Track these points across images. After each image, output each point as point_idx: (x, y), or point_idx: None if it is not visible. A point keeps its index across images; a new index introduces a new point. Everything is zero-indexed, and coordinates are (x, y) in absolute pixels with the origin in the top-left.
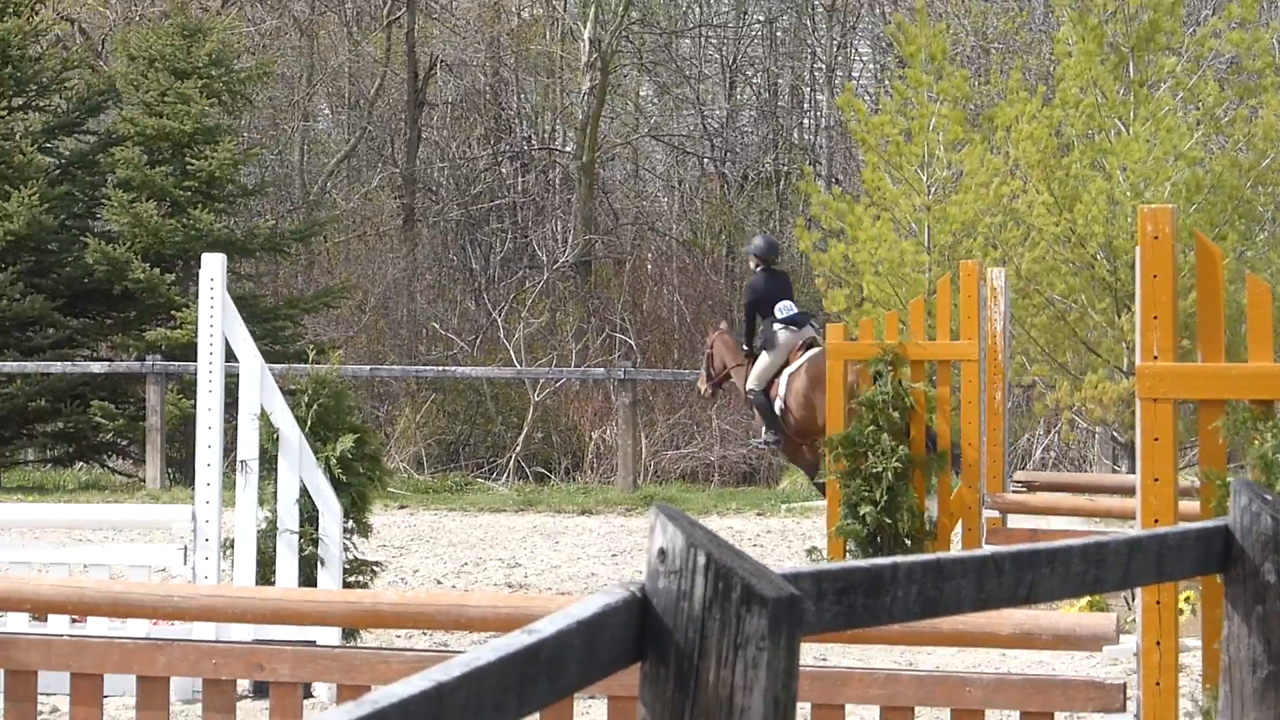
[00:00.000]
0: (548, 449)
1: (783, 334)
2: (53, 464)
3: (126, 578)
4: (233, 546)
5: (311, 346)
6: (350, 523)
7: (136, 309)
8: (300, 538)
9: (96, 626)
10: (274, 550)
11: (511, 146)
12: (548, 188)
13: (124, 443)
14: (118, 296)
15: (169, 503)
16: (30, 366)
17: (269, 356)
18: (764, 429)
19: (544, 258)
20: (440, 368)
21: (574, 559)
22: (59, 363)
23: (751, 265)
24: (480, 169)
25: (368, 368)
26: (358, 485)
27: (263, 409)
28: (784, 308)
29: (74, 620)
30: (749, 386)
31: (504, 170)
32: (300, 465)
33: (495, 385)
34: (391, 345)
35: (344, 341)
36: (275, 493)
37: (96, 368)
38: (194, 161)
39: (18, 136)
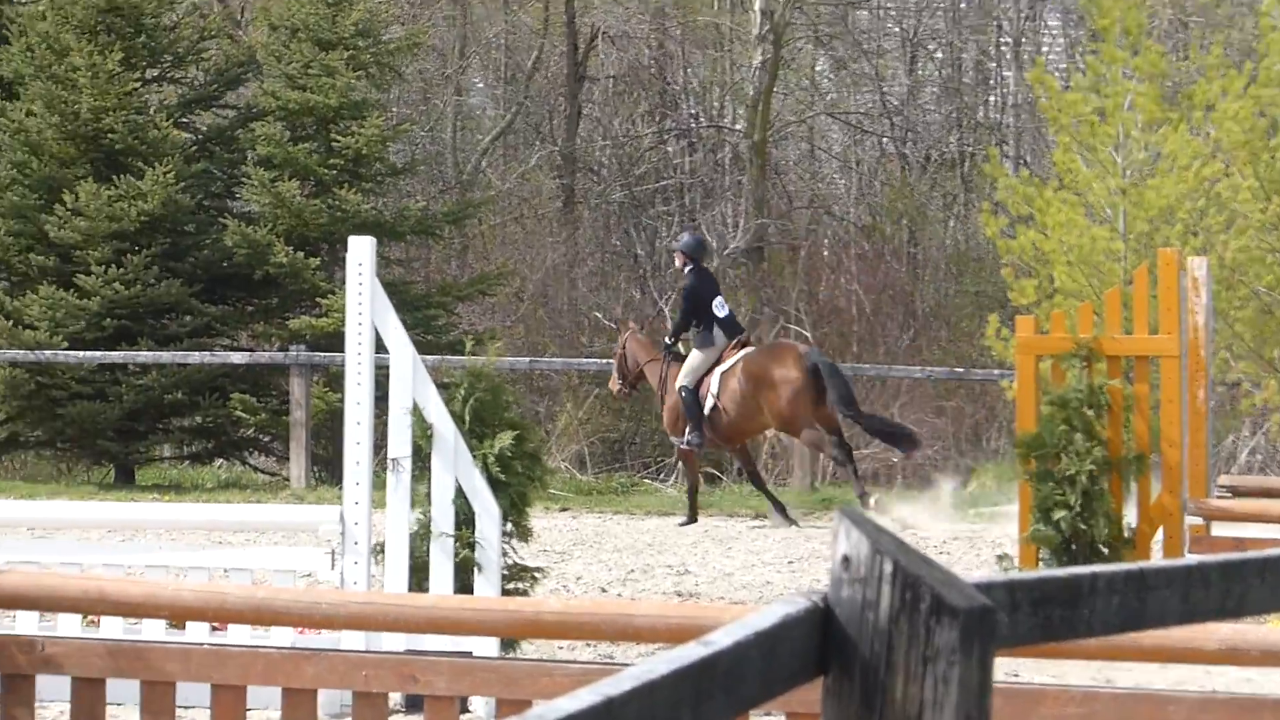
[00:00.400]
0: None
1: (719, 334)
2: (190, 461)
3: (270, 583)
4: (383, 550)
5: (469, 337)
6: (509, 526)
7: (279, 295)
8: (456, 541)
9: (238, 635)
10: (427, 554)
11: (678, 124)
12: (717, 168)
13: (266, 439)
14: (259, 282)
15: (315, 503)
16: (166, 356)
17: (421, 347)
18: (687, 429)
19: (713, 242)
20: (604, 360)
21: (748, 566)
22: (196, 353)
23: (678, 263)
24: (645, 147)
25: (527, 360)
26: (517, 485)
27: (415, 403)
28: (720, 305)
29: (214, 628)
30: (680, 383)
31: (670, 149)
32: (456, 464)
33: None
34: (551, 336)
35: (501, 332)
36: (429, 493)
37: (237, 358)
38: (340, 138)
39: (152, 110)
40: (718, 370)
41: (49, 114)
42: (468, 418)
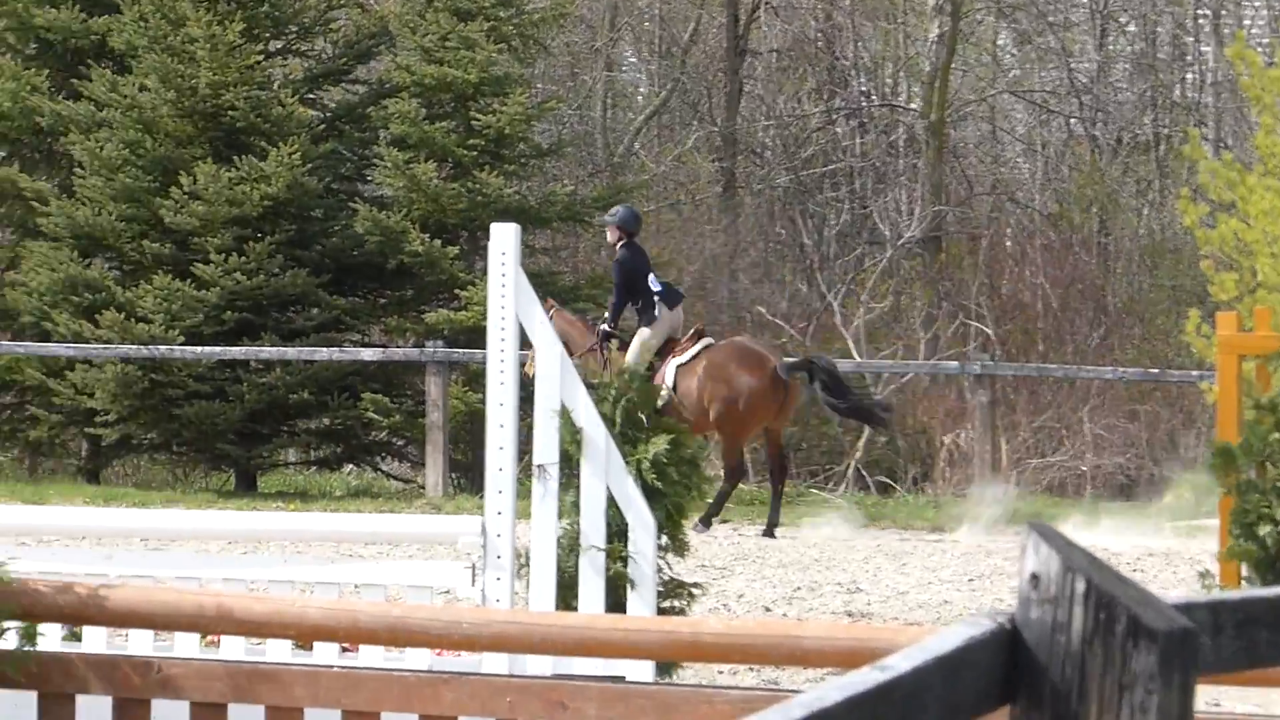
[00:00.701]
0: (892, 455)
1: (661, 308)
2: (317, 466)
3: (405, 600)
4: (528, 565)
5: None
6: (664, 538)
7: (414, 287)
8: (606, 555)
9: (370, 657)
10: (575, 569)
11: (847, 102)
12: (890, 151)
13: (400, 442)
14: (392, 272)
15: (453, 513)
16: (291, 353)
17: None
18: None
19: (886, 231)
20: None
21: (924, 584)
22: (324, 349)
23: (611, 238)
24: (811, 128)
25: None
26: (674, 495)
27: (563, 405)
28: (655, 280)
29: (344, 649)
30: (628, 365)
31: (839, 130)
32: (607, 471)
33: None
34: (710, 332)
35: None
36: (577, 503)
37: (368, 355)
38: (480, 116)
39: (276, 86)
40: (673, 362)
41: (164, 89)
42: (619, 421)
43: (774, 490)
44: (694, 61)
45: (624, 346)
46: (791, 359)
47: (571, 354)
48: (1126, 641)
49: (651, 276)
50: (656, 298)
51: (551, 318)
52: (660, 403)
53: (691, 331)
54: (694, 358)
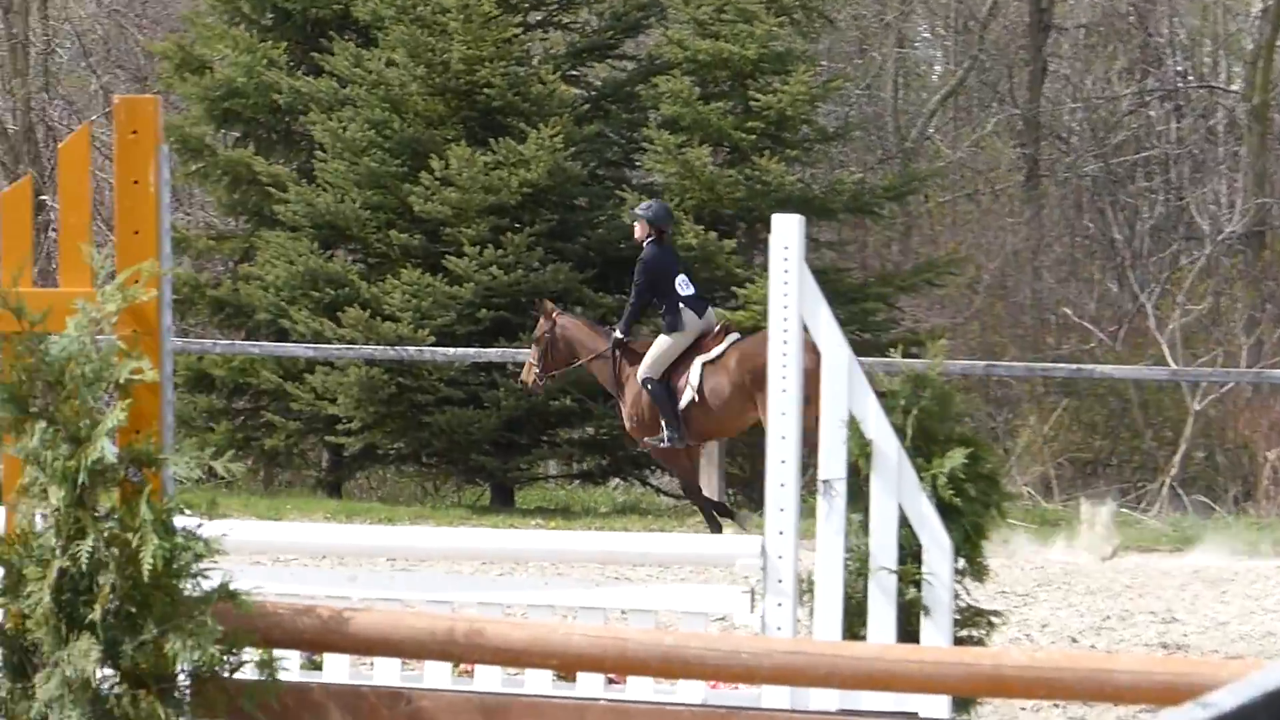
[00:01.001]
0: (1211, 471)
1: (689, 314)
2: (580, 480)
3: (677, 627)
4: (812, 589)
5: (906, 335)
6: (962, 561)
7: None
8: (898, 579)
9: (639, 689)
10: (864, 594)
11: (1162, 83)
12: (1209, 136)
13: None
14: None
15: (730, 532)
16: None
17: (857, 347)
18: (663, 426)
19: (1205, 226)
20: (1074, 365)
21: (1246, 613)
22: None
23: (639, 234)
24: (1122, 111)
25: (982, 363)
26: (972, 514)
27: (851, 415)
28: (684, 283)
29: (610, 681)
30: (644, 375)
31: (1152, 113)
32: (899, 487)
33: (1144, 389)
34: (1011, 335)
35: (950, 329)
36: (865, 522)
37: None
38: (759, 96)
39: (535, 61)
40: (699, 359)
41: (413, 64)
42: (911, 432)
43: None
44: (993, 37)
45: (636, 354)
46: None
47: (578, 359)
48: None
49: (682, 279)
50: (683, 303)
51: (559, 319)
52: (683, 403)
53: (719, 328)
54: (723, 353)
